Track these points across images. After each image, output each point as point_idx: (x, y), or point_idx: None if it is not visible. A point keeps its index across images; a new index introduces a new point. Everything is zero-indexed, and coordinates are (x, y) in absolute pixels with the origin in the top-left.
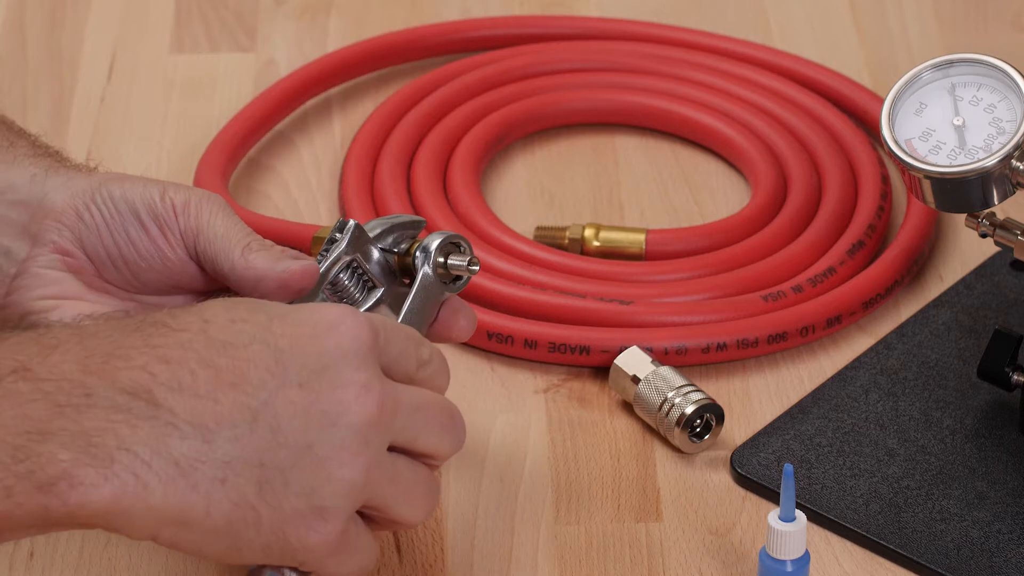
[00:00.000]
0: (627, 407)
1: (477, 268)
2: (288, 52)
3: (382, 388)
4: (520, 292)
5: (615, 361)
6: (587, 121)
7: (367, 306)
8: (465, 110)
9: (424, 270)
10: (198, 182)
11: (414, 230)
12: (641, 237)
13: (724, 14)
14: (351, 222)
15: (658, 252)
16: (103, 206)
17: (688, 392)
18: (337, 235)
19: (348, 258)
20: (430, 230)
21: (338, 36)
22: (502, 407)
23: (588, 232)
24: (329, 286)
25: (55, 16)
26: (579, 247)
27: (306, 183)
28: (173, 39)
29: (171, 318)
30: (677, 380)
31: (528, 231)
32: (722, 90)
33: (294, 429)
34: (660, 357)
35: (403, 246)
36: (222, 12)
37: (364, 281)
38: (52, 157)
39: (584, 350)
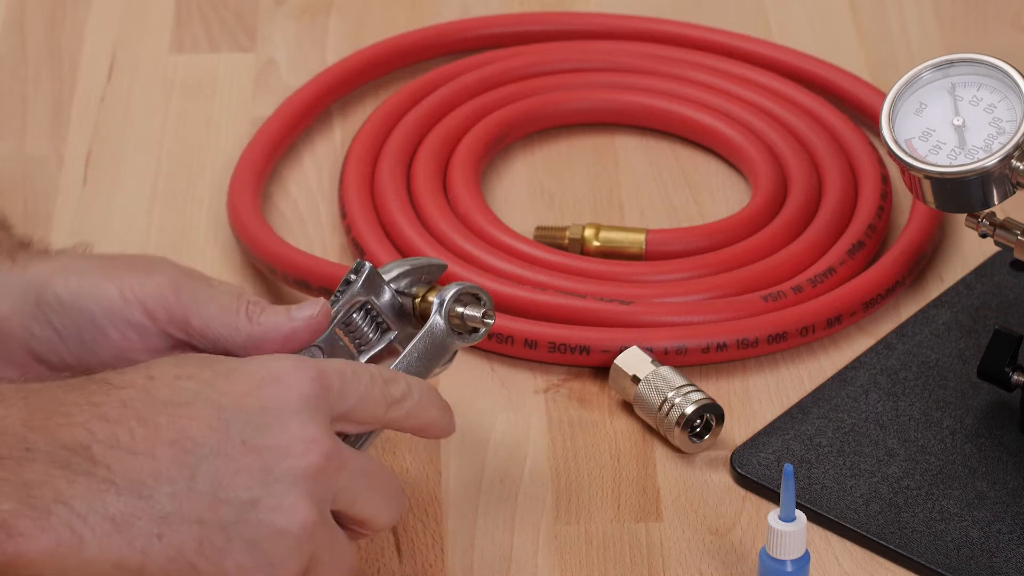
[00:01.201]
0: (627, 407)
1: (492, 321)
2: (288, 52)
3: (328, 443)
4: (520, 292)
5: (615, 361)
6: (587, 121)
7: (380, 347)
8: (465, 110)
9: (435, 318)
10: (232, 204)
11: (432, 274)
12: (641, 237)
13: (724, 14)
14: (367, 264)
15: (658, 252)
16: (53, 316)
17: (688, 392)
18: (352, 276)
19: (362, 299)
20: (430, 230)
21: (338, 36)
22: (502, 407)
23: (588, 232)
24: (342, 326)
25: (55, 16)
26: (579, 247)
27: (306, 184)
28: (173, 39)
29: (116, 375)
30: (677, 380)
31: (528, 231)
32: (722, 90)
33: (236, 485)
34: (660, 357)
35: (418, 289)
36: (222, 12)
37: (378, 323)
38: None
39: (584, 350)
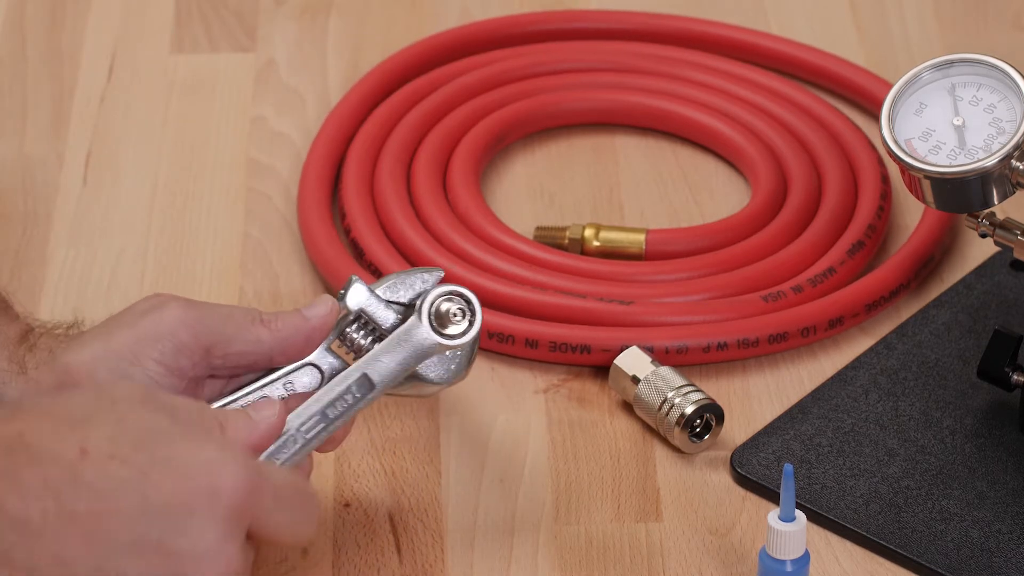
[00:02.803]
0: (627, 407)
1: (475, 323)
2: (288, 52)
3: (239, 562)
4: (520, 292)
5: (615, 361)
6: (587, 121)
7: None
8: (465, 110)
9: (413, 318)
10: (302, 208)
11: (427, 282)
12: (641, 237)
13: (724, 15)
14: (352, 278)
15: (658, 252)
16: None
17: (688, 392)
18: (342, 291)
19: (355, 311)
20: (430, 230)
21: (338, 36)
22: (502, 407)
23: (588, 232)
24: (338, 339)
25: (55, 16)
26: (579, 247)
27: None
28: (173, 39)
29: (50, 437)
30: (677, 380)
31: (528, 231)
32: (722, 90)
33: None
34: (660, 357)
35: (410, 296)
36: (222, 12)
37: (377, 336)
38: None
39: (585, 349)
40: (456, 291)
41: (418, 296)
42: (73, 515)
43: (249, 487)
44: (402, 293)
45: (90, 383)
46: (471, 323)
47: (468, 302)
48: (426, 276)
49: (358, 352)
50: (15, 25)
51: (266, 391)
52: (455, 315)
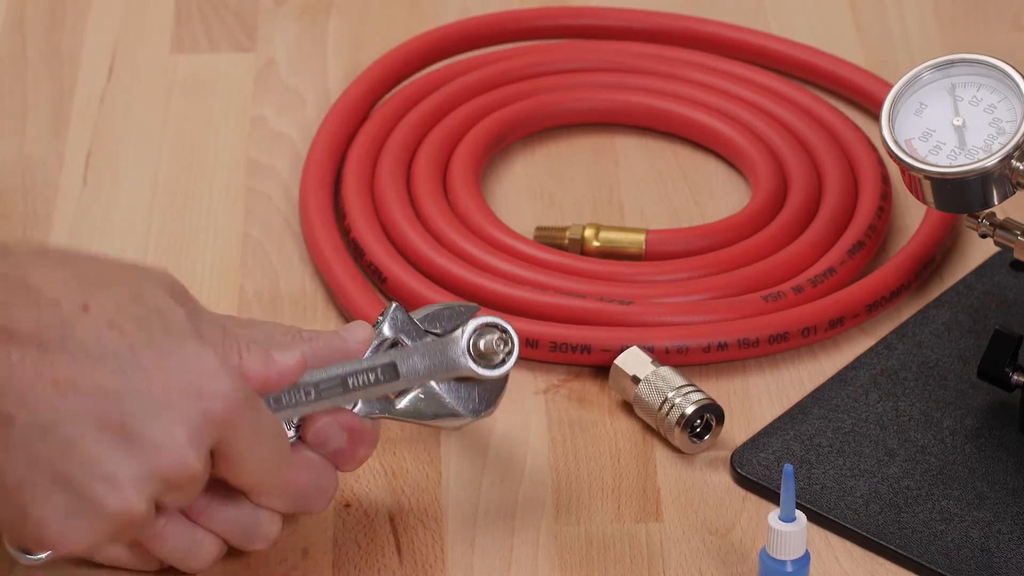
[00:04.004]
0: (627, 407)
1: (507, 363)
2: (288, 52)
3: (198, 468)
4: (520, 292)
5: (615, 361)
6: (587, 121)
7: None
8: (465, 110)
9: (456, 333)
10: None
11: (464, 316)
12: (641, 237)
13: (724, 15)
14: (392, 304)
15: (658, 252)
16: None
17: (688, 392)
18: (380, 318)
19: (391, 338)
20: (430, 230)
21: (338, 36)
22: (502, 407)
23: (588, 232)
24: None
25: (55, 16)
26: (579, 247)
27: None
28: (173, 39)
29: (53, 288)
30: (677, 380)
31: (528, 231)
32: (722, 90)
33: (88, 456)
34: (661, 357)
35: (446, 328)
36: (222, 12)
37: None
38: None
39: (585, 349)
40: (502, 328)
41: (454, 328)
42: (52, 367)
43: (234, 404)
44: (439, 325)
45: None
46: (504, 362)
47: (509, 342)
48: (462, 309)
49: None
50: (15, 25)
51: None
52: (494, 348)
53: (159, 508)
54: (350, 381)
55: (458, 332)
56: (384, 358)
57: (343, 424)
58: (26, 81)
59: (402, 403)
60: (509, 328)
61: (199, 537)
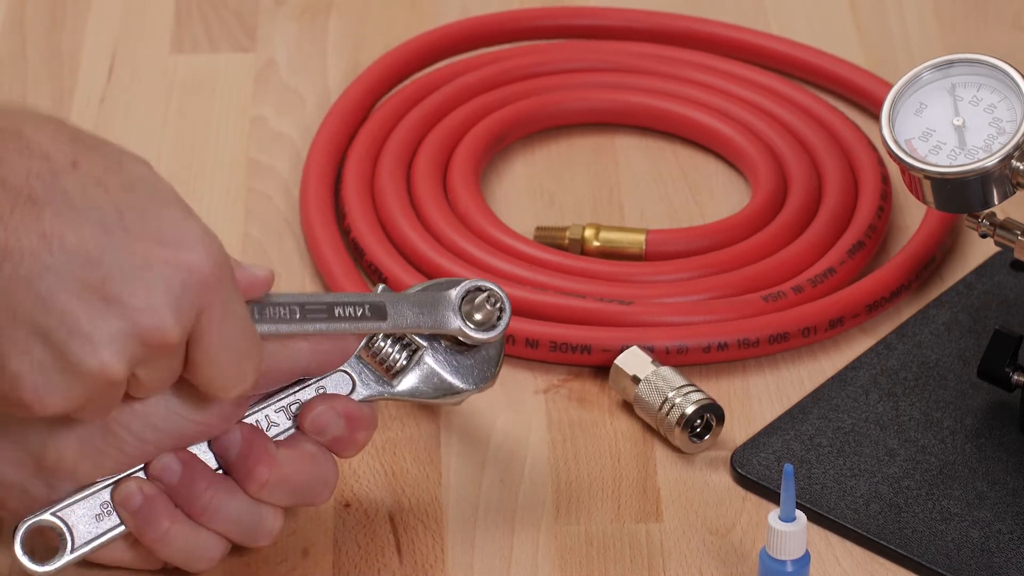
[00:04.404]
0: (627, 407)
1: (497, 328)
2: (288, 52)
3: (177, 334)
4: (520, 292)
5: (615, 361)
6: (587, 121)
7: (414, 367)
8: (465, 110)
9: (449, 291)
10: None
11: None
12: (641, 237)
13: (724, 15)
14: (379, 287)
15: (658, 252)
16: None
17: (688, 392)
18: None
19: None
20: (430, 230)
21: (338, 36)
22: (502, 407)
23: (588, 232)
24: (365, 347)
25: (55, 16)
26: (579, 247)
27: None
28: (173, 39)
29: (44, 140)
30: (677, 380)
31: (528, 231)
32: (722, 90)
33: (62, 309)
34: (661, 357)
35: None
36: (222, 12)
37: (406, 344)
38: None
39: (585, 349)
40: (494, 292)
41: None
42: (38, 220)
43: (214, 274)
44: None
45: None
46: (494, 327)
47: (501, 306)
48: (453, 282)
49: (385, 360)
50: (15, 25)
51: (299, 395)
52: (486, 311)
53: (134, 387)
54: (337, 310)
55: (451, 291)
56: (375, 297)
57: (340, 411)
58: (26, 81)
59: (401, 384)
60: (501, 292)
61: (202, 537)
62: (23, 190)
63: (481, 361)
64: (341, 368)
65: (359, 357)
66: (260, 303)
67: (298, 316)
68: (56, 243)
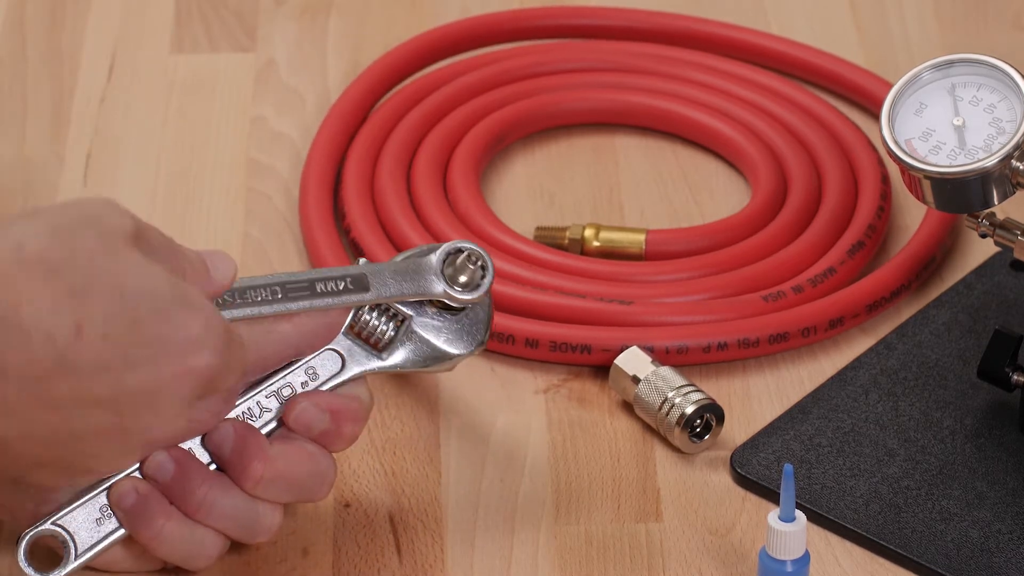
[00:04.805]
0: (627, 407)
1: (480, 288)
2: (288, 52)
3: (184, 424)
4: (520, 292)
5: (615, 361)
6: (587, 121)
7: (402, 336)
8: (465, 110)
9: (430, 256)
10: (304, 209)
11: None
12: (641, 237)
13: (724, 15)
14: (360, 261)
15: (658, 252)
16: None
17: (688, 392)
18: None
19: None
20: (430, 230)
21: (338, 36)
22: (502, 407)
23: (588, 232)
24: (351, 322)
25: (55, 16)
26: (579, 247)
27: None
28: (173, 39)
29: (44, 318)
30: (677, 380)
31: (528, 231)
32: (722, 90)
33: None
34: (660, 357)
35: None
36: (222, 12)
37: (392, 315)
38: None
39: (586, 349)
40: (476, 252)
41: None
42: (48, 391)
43: (221, 366)
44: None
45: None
46: (478, 286)
47: (483, 265)
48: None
49: (372, 334)
50: (15, 25)
51: (289, 379)
52: (469, 272)
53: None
54: (318, 286)
55: (432, 255)
56: (356, 269)
57: (323, 406)
58: (26, 81)
59: (391, 357)
60: (482, 251)
61: (199, 535)
62: (28, 374)
63: (470, 324)
64: (329, 347)
65: (346, 334)
66: (240, 288)
67: (280, 296)
68: (69, 403)
